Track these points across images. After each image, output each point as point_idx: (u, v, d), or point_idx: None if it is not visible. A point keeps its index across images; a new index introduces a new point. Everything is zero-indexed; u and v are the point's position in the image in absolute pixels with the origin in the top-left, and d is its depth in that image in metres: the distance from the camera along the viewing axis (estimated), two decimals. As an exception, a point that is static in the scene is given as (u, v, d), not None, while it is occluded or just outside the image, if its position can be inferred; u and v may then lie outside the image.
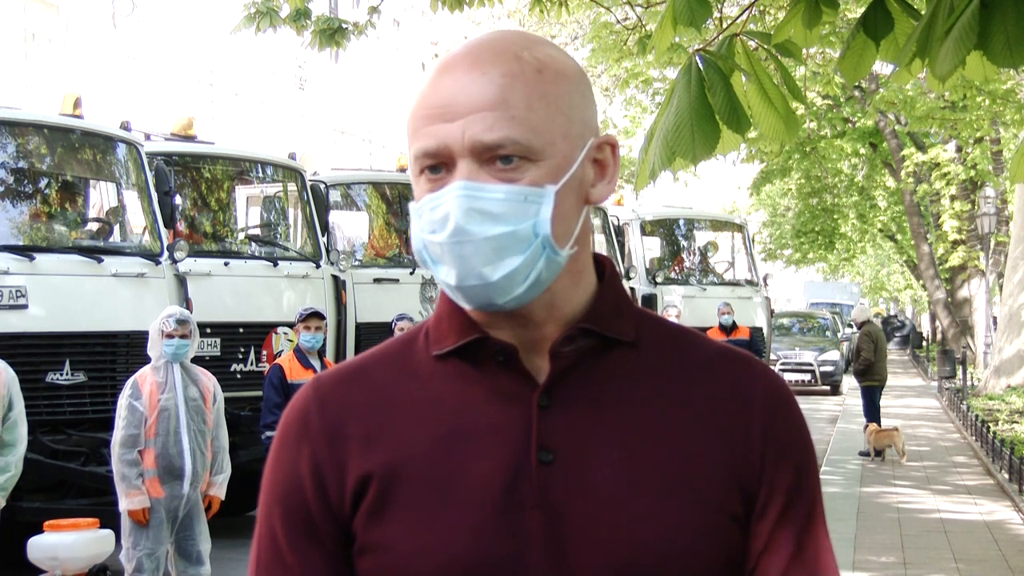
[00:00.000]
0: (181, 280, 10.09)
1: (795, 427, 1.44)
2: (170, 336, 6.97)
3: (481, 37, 1.41)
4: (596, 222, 17.28)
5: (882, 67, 19.68)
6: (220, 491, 7.25)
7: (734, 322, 15.55)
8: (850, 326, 17.48)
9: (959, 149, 28.20)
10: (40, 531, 7.49)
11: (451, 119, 1.34)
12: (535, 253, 1.34)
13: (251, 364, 10.79)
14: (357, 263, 12.85)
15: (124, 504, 6.91)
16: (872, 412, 16.48)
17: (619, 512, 1.35)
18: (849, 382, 32.19)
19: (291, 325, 10.20)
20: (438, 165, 1.35)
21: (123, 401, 6.95)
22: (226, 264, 10.82)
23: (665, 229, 20.18)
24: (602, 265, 1.46)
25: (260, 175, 12.52)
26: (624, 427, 1.38)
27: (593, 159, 1.41)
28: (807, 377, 29.99)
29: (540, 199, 1.34)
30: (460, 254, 1.33)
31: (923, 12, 3.28)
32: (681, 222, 20.23)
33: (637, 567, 1.34)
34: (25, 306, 8.74)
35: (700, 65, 3.19)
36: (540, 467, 1.36)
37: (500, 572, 1.34)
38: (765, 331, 19.36)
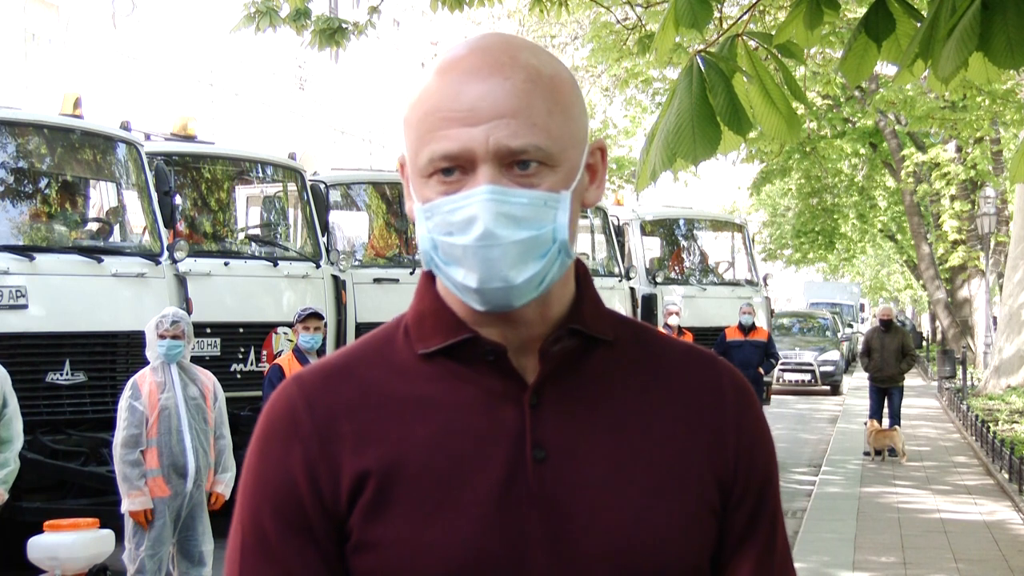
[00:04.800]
0: (181, 280, 10.09)
1: (760, 425, 1.50)
2: (163, 336, 6.99)
3: (486, 40, 1.41)
4: (596, 222, 17.28)
5: (882, 67, 19.69)
6: (226, 489, 7.27)
7: (754, 323, 15.49)
8: (887, 321, 16.74)
9: (959, 149, 28.20)
10: (40, 531, 7.48)
11: (474, 123, 1.35)
12: (552, 257, 1.37)
13: (251, 364, 10.79)
14: (357, 263, 12.84)
15: (126, 505, 6.91)
16: (898, 412, 16.31)
17: (613, 505, 1.39)
18: (849, 382, 32.26)
19: (291, 325, 10.20)
20: (453, 168, 1.36)
21: (123, 403, 6.96)
22: (226, 264, 10.82)
23: (665, 229, 20.16)
24: (576, 265, 1.49)
25: (260, 175, 12.52)
26: (612, 423, 1.42)
27: (587, 164, 1.44)
28: (807, 377, 30.00)
29: (557, 204, 1.38)
30: (487, 257, 1.35)
31: (925, 13, 3.28)
32: (681, 222, 20.21)
33: (634, 558, 1.38)
34: (25, 306, 8.74)
35: (701, 66, 3.19)
36: (535, 465, 1.39)
37: (501, 569, 1.36)
38: (765, 331, 19.34)
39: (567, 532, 1.37)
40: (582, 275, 1.48)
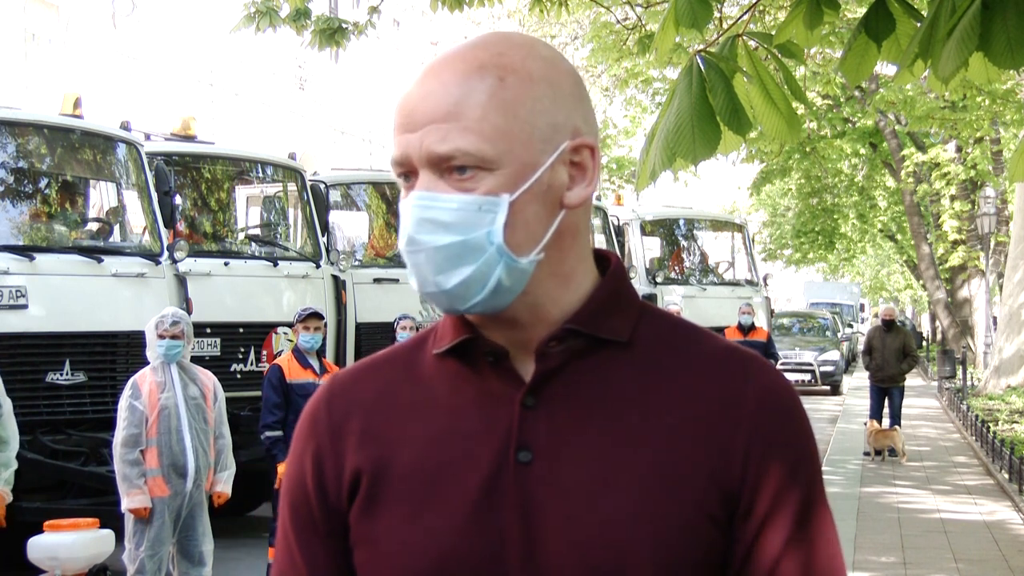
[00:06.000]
0: (181, 280, 10.09)
1: (789, 428, 1.41)
2: (162, 336, 7.00)
3: (463, 42, 1.41)
4: (596, 222, 17.28)
5: (882, 67, 19.69)
6: (226, 488, 7.28)
7: (753, 323, 15.46)
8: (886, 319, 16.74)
9: (959, 149, 28.21)
10: (40, 531, 7.48)
11: (412, 129, 1.36)
12: (490, 261, 1.35)
13: (251, 364, 10.78)
14: (357, 263, 12.84)
15: (125, 503, 6.92)
16: (899, 412, 16.31)
17: (593, 512, 1.35)
18: (849, 382, 32.26)
19: (291, 325, 10.21)
20: (407, 173, 1.39)
21: (123, 402, 6.97)
22: (226, 264, 10.81)
23: (665, 229, 20.18)
24: (607, 262, 1.46)
25: (260, 175, 12.52)
26: (606, 427, 1.38)
27: (570, 162, 1.40)
28: (807, 377, 30.00)
29: (495, 208, 1.35)
30: (415, 262, 1.36)
31: (925, 13, 3.28)
32: (681, 222, 20.23)
33: (609, 567, 1.34)
34: (25, 306, 8.74)
35: (701, 66, 3.19)
36: (518, 467, 1.37)
37: (478, 571, 1.36)
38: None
39: (543, 536, 1.35)
40: (611, 271, 1.45)
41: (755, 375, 1.42)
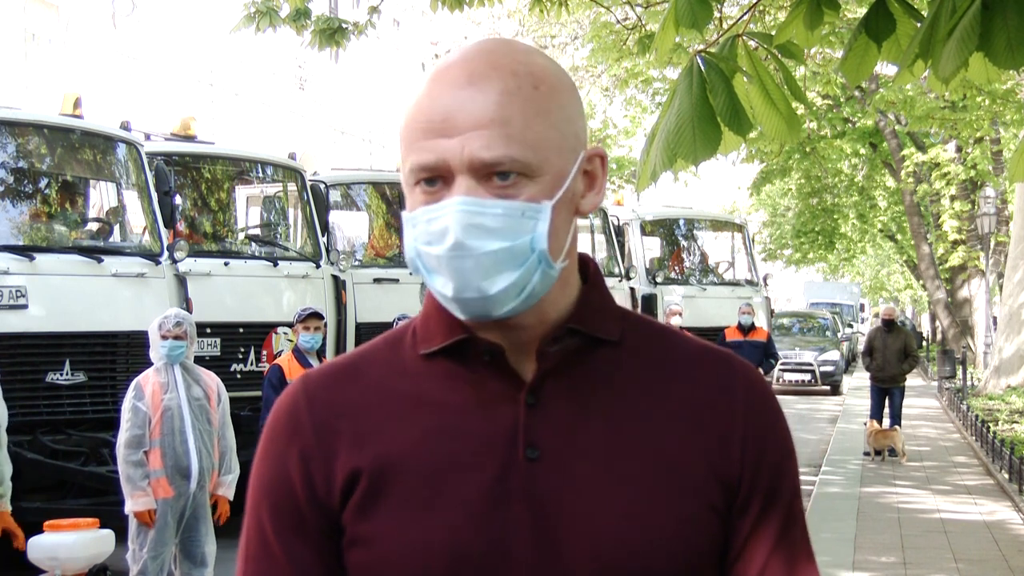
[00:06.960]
0: (181, 280, 10.09)
1: (775, 426, 1.48)
2: (165, 337, 6.99)
3: (475, 47, 1.42)
4: (596, 222, 17.28)
5: (882, 67, 19.68)
6: (229, 491, 7.26)
7: (753, 323, 15.46)
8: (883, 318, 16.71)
9: (959, 149, 28.20)
10: (40, 531, 7.48)
11: (450, 135, 1.36)
12: (531, 267, 1.37)
13: (251, 364, 10.79)
14: (357, 263, 12.85)
15: (129, 506, 6.91)
16: (899, 412, 16.29)
17: (604, 507, 1.38)
18: (849, 382, 32.25)
19: (291, 325, 10.21)
20: (434, 178, 1.38)
21: (126, 403, 6.96)
22: (226, 264, 10.82)
23: (665, 229, 20.17)
24: (586, 265, 1.49)
25: (260, 175, 12.52)
26: (609, 424, 1.42)
27: (584, 171, 1.44)
28: (807, 377, 29.99)
29: (537, 214, 1.37)
30: (459, 268, 1.36)
31: (925, 13, 3.28)
32: (681, 222, 20.22)
33: (622, 560, 1.37)
34: (25, 306, 8.74)
35: (701, 66, 3.19)
36: (527, 464, 1.39)
37: (487, 568, 1.37)
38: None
39: (555, 531, 1.37)
40: (592, 274, 1.49)
41: (739, 374, 1.48)
